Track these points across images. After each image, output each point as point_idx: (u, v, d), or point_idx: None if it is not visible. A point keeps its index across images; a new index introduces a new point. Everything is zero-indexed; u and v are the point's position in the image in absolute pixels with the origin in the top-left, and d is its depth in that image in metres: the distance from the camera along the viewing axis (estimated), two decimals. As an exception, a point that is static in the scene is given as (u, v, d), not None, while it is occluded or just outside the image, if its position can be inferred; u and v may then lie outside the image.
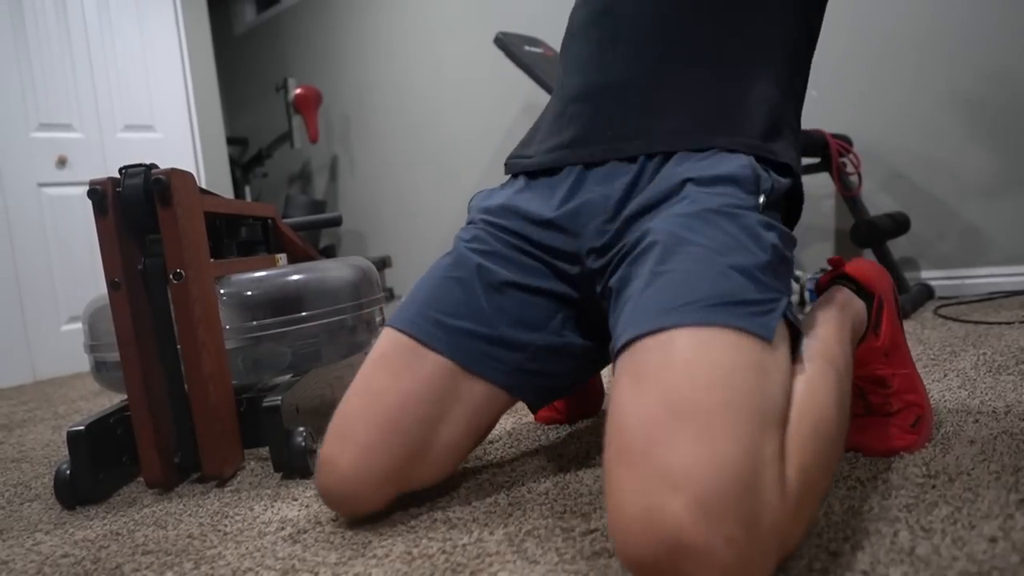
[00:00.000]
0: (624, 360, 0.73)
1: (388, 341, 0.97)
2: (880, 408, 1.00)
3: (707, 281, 0.75)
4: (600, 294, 0.96)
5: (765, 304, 0.75)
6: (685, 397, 0.65)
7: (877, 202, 2.51)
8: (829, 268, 1.10)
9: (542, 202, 1.01)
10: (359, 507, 0.92)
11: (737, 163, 0.90)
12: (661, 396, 0.65)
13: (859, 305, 1.02)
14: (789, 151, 0.97)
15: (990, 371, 1.34)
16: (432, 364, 0.93)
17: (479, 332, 0.95)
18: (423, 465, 0.93)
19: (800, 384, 0.77)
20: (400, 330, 0.96)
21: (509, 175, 1.11)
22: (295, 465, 1.17)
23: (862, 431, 0.99)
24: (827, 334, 0.88)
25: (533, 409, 1.04)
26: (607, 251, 0.94)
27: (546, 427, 1.31)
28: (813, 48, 1.06)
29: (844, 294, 1.02)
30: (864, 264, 1.07)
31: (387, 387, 0.92)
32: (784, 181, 0.95)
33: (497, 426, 1.36)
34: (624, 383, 0.70)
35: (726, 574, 0.57)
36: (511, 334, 0.96)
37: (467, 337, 0.95)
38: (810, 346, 0.83)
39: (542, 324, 0.98)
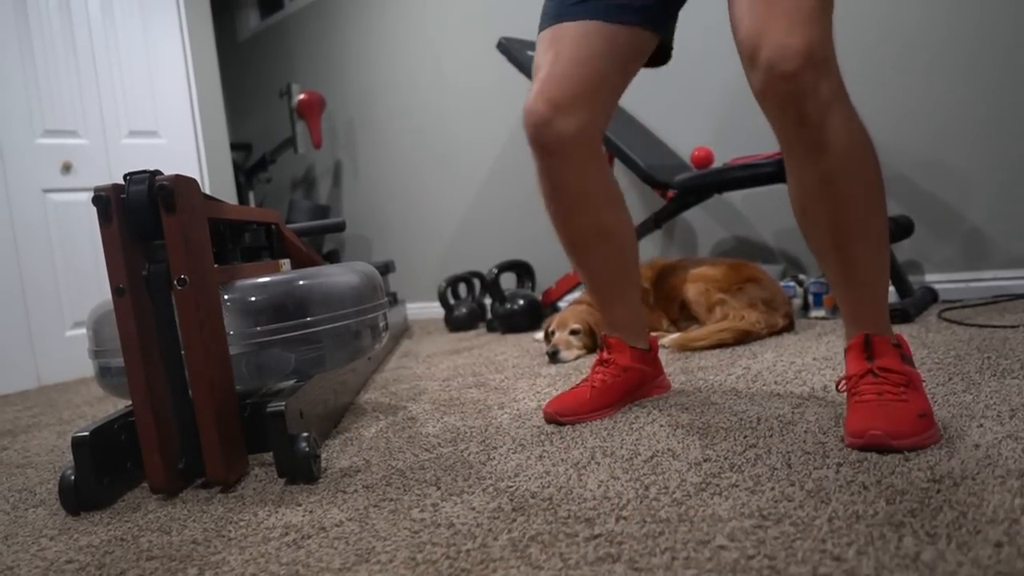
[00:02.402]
0: None
1: (543, 36, 1.30)
2: (892, 393, 1.05)
3: None
4: None
5: None
6: None
7: (881, 205, 2.50)
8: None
9: None
10: (558, 106, 1.24)
11: None
12: None
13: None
14: None
15: (995, 375, 1.34)
16: (577, 27, 1.26)
17: None
18: (601, 89, 1.27)
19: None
20: (548, 27, 1.29)
21: None
22: (299, 470, 1.17)
23: (868, 416, 1.01)
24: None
25: (663, 38, 1.34)
26: None
27: (549, 432, 1.31)
28: None
29: None
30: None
31: (557, 48, 1.27)
32: None
33: (500, 431, 1.36)
34: None
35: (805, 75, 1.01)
36: None
37: (593, 2, 1.25)
38: None
39: None
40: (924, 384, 1.10)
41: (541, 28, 1.32)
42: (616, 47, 1.26)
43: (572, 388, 1.43)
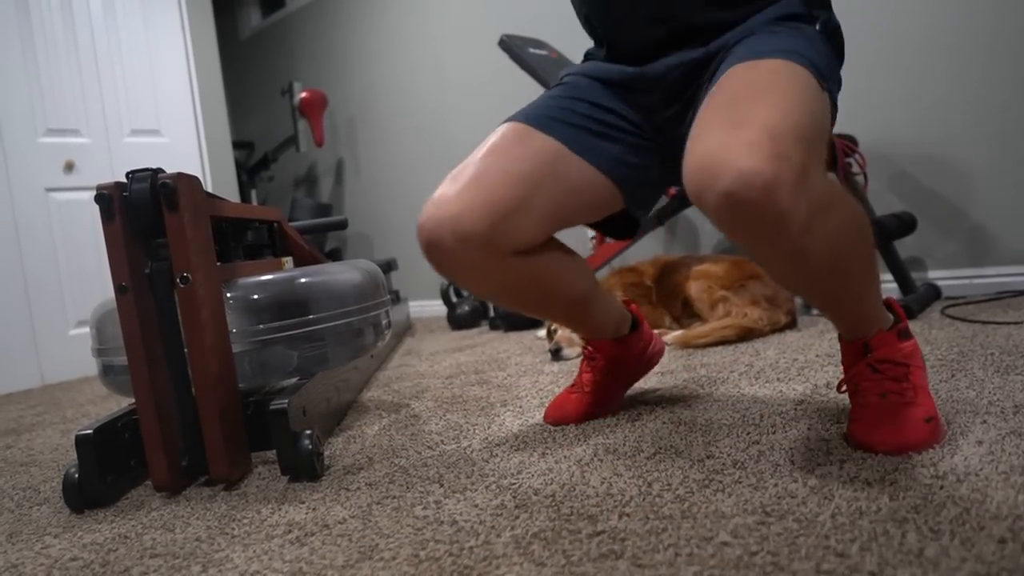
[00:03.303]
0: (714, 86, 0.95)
1: (503, 127, 1.16)
2: (895, 392, 1.01)
3: (780, 45, 0.98)
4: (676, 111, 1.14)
5: (827, 78, 0.99)
6: (763, 83, 0.91)
7: (883, 202, 2.50)
8: None
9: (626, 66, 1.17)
10: (456, 228, 1.05)
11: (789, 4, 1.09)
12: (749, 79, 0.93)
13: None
14: None
15: (998, 371, 1.34)
16: (541, 141, 1.12)
17: (584, 126, 1.13)
18: (518, 219, 1.07)
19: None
20: (517, 121, 1.15)
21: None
22: (302, 468, 1.18)
23: (875, 425, 0.99)
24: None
25: (627, 202, 1.19)
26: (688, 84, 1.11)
27: (552, 429, 1.31)
28: None
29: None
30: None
31: (500, 153, 1.12)
32: (830, 14, 1.14)
33: (503, 428, 1.36)
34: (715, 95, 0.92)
35: (776, 194, 0.78)
36: (610, 132, 1.14)
37: (572, 128, 1.13)
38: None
39: (633, 133, 1.16)
40: (926, 372, 1.07)
41: (510, 119, 1.18)
42: (570, 178, 1.11)
43: (568, 391, 1.40)
